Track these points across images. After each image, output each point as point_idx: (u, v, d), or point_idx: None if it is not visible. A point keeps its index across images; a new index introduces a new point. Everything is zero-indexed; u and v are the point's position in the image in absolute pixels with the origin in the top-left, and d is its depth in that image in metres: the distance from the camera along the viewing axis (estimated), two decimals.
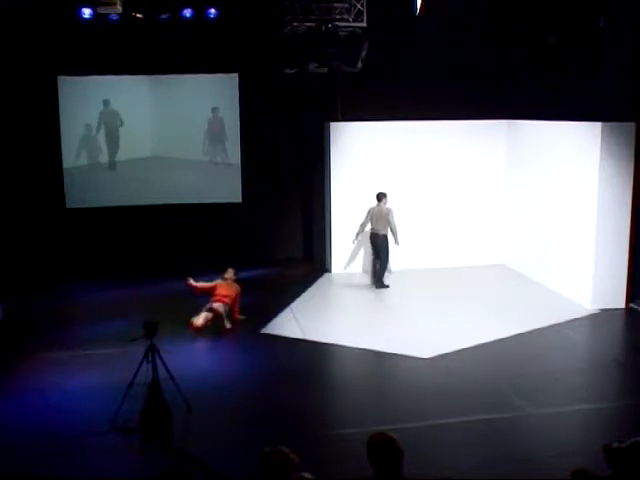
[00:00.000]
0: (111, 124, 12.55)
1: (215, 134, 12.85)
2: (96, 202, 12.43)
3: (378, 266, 11.39)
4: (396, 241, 11.27)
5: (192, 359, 8.33)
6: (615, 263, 10.05)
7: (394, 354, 8.45)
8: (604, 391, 7.56)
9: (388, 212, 11.28)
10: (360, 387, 7.71)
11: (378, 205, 11.32)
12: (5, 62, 11.50)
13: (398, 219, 11.40)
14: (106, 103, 12.41)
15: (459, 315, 9.89)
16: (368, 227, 11.43)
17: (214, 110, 12.72)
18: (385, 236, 11.29)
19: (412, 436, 5.85)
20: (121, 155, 12.63)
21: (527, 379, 7.70)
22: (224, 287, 9.64)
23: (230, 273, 9.82)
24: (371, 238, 11.41)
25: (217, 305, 9.39)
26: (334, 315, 10.30)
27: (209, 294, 9.58)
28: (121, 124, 12.54)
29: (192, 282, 9.62)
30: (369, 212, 11.39)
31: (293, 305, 10.48)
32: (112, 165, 12.68)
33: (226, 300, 9.46)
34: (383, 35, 11.24)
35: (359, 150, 12.13)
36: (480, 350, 8.60)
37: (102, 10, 10.01)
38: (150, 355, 6.52)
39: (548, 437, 6.38)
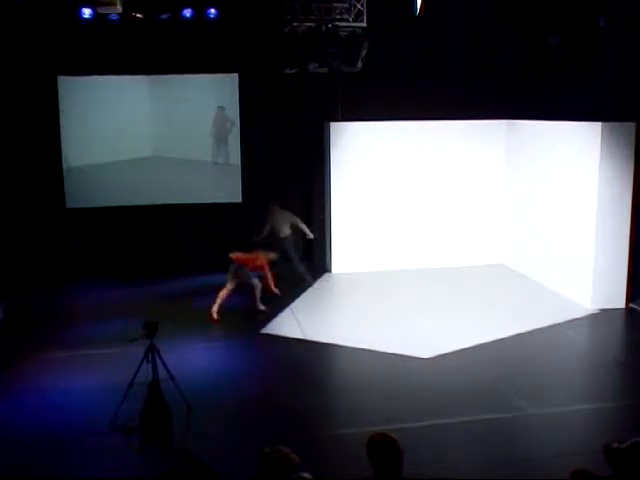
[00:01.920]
0: None
1: (220, 133, 12.84)
2: (96, 202, 12.43)
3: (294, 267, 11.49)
4: (310, 234, 11.50)
5: (192, 359, 8.33)
6: (615, 263, 10.05)
7: (394, 354, 8.44)
8: (604, 391, 7.56)
9: (290, 214, 11.42)
10: (360, 387, 7.70)
11: (278, 210, 11.34)
12: (5, 62, 11.50)
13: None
14: None
15: (459, 315, 9.89)
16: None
17: (219, 108, 12.72)
18: (290, 236, 11.37)
19: (412, 436, 5.86)
20: (121, 155, 12.62)
21: (527, 379, 7.70)
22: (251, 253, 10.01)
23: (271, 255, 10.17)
24: (278, 242, 11.25)
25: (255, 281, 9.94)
26: (334, 315, 10.30)
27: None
28: None
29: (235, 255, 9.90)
30: (269, 219, 11.34)
31: (293, 305, 10.47)
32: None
33: (249, 263, 9.87)
34: (383, 35, 11.24)
35: (359, 150, 12.12)
36: (480, 350, 8.59)
37: (102, 10, 10.01)
38: (150, 355, 6.52)
39: (548, 437, 6.37)
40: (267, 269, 10.16)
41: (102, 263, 12.21)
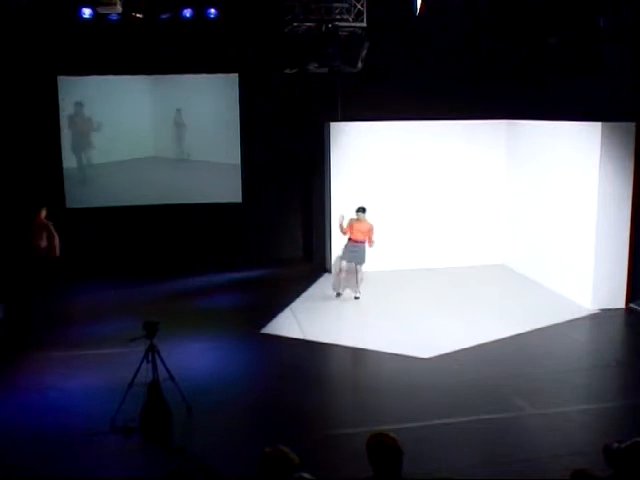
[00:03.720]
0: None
1: (180, 132, 12.84)
2: (96, 202, 12.43)
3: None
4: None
5: (192, 359, 8.32)
6: (615, 263, 10.05)
7: (394, 354, 8.44)
8: (604, 391, 7.57)
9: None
10: (360, 387, 7.71)
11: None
12: (5, 62, 11.50)
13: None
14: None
15: (459, 315, 9.89)
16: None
17: (177, 111, 12.72)
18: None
19: (412, 436, 5.86)
20: (121, 155, 12.62)
21: (527, 379, 7.71)
22: (357, 222, 10.55)
23: (361, 214, 10.58)
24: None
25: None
26: (334, 315, 10.29)
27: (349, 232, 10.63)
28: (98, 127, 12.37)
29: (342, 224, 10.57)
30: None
31: (293, 305, 10.47)
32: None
33: (361, 235, 10.50)
34: (383, 35, 11.24)
35: (359, 150, 12.12)
36: (480, 350, 8.59)
37: (102, 10, 10.01)
38: (150, 355, 6.52)
39: (548, 437, 6.38)
40: (372, 233, 10.60)
41: (102, 263, 12.20)
